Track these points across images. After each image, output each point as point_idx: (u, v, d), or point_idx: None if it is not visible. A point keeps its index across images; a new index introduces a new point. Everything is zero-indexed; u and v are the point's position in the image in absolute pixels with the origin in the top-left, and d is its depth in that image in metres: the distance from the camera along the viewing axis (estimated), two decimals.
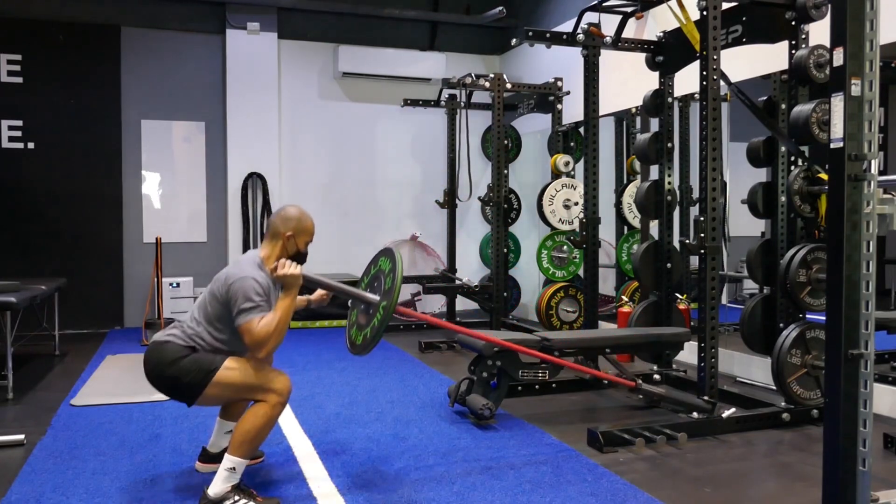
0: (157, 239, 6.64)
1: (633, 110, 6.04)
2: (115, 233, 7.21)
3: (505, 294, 6.57)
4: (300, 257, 2.94)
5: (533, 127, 7.45)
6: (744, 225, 5.46)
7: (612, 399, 4.45)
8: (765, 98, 4.19)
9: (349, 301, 3.15)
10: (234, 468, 2.68)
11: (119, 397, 4.39)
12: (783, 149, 4.05)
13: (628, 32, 4.83)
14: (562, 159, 6.25)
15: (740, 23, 4.00)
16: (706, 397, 3.73)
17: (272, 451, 3.40)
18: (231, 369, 2.76)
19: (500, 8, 7.47)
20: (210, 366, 2.75)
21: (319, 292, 3.17)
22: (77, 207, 7.05)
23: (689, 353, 4.53)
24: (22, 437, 3.54)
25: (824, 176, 3.65)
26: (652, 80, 4.68)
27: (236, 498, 2.65)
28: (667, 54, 4.55)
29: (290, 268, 2.75)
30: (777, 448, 3.48)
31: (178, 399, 2.85)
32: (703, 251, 3.75)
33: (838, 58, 2.23)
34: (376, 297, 2.92)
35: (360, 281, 3.19)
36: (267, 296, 2.77)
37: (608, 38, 4.68)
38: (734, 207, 5.12)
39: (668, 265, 4.61)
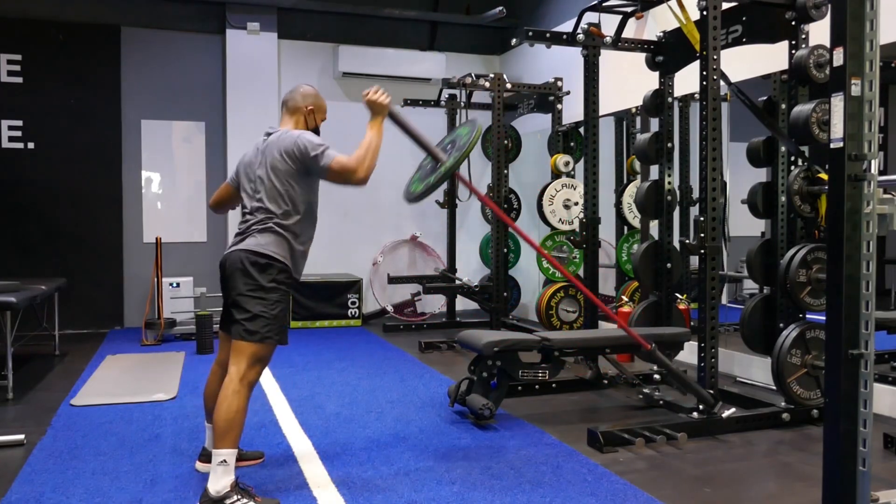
0: (157, 239, 6.63)
1: (633, 110, 6.03)
2: (115, 233, 7.21)
3: (505, 294, 6.57)
4: (315, 133, 3.05)
5: (533, 127, 7.45)
6: (744, 225, 5.46)
7: (612, 399, 4.45)
8: (765, 98, 4.19)
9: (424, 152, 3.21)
10: (225, 460, 2.67)
11: (119, 397, 4.39)
12: (783, 149, 4.05)
13: (628, 32, 4.83)
14: (562, 159, 6.25)
15: (740, 23, 4.00)
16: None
17: (272, 451, 3.40)
18: (270, 348, 2.82)
19: (500, 8, 7.47)
20: (269, 332, 2.78)
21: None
22: (77, 207, 7.06)
23: (689, 353, 4.53)
24: (22, 437, 3.54)
25: (824, 176, 3.65)
26: (652, 80, 4.68)
27: (236, 498, 2.65)
28: (667, 54, 4.55)
29: (380, 95, 2.88)
30: (777, 448, 3.48)
31: (231, 305, 2.84)
32: (703, 251, 3.75)
33: (838, 58, 2.23)
34: (445, 156, 3.04)
35: (440, 141, 3.31)
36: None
37: (608, 38, 4.68)
38: (734, 207, 5.11)
39: (668, 265, 4.61)
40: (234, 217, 7.35)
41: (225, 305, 2.93)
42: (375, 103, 2.86)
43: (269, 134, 3.03)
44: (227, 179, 3.29)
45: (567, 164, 6.24)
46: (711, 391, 3.72)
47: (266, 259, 2.83)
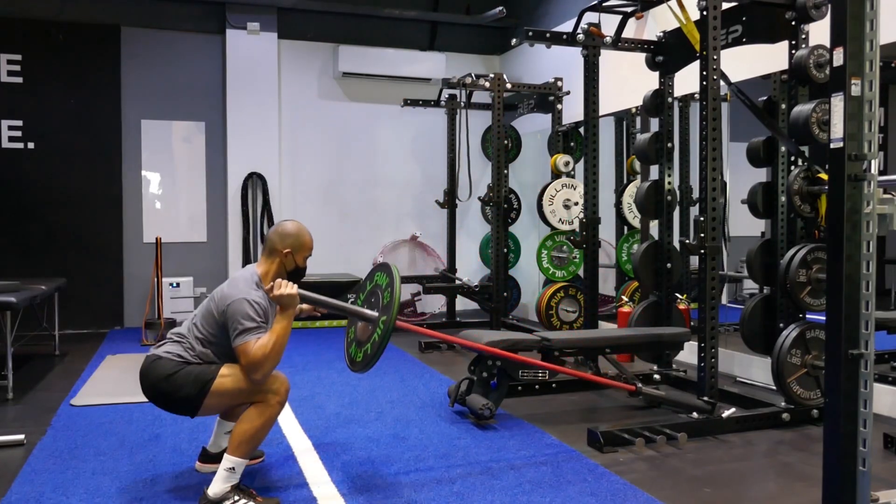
0: (157, 239, 6.64)
1: (633, 110, 6.04)
2: (115, 233, 7.21)
3: (505, 294, 6.57)
4: (299, 273, 2.92)
5: (533, 127, 7.45)
6: (744, 225, 5.46)
7: (612, 399, 4.44)
8: (765, 98, 4.19)
9: (347, 318, 3.13)
10: (233, 468, 2.68)
11: (119, 397, 4.39)
12: (783, 149, 4.05)
13: (628, 32, 4.83)
14: (562, 159, 6.25)
15: (740, 23, 4.00)
16: (706, 398, 3.73)
17: (272, 450, 3.40)
18: (227, 377, 2.75)
19: (500, 8, 7.47)
20: (205, 377, 2.74)
21: (309, 306, 3.16)
22: (77, 207, 7.06)
23: (689, 353, 4.53)
24: (22, 437, 3.54)
25: (824, 176, 3.65)
26: (652, 80, 4.68)
27: (236, 498, 2.65)
28: (667, 54, 4.55)
29: (286, 287, 2.69)
30: (777, 448, 3.48)
31: (179, 413, 2.85)
32: (703, 251, 3.75)
33: (838, 58, 2.23)
34: (375, 314, 2.90)
35: (356, 294, 3.17)
36: (265, 316, 2.75)
37: (608, 38, 4.68)
38: (734, 207, 5.12)
39: (668, 265, 4.61)
40: (233, 217, 7.40)
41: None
42: (283, 296, 2.67)
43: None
44: None
45: (567, 164, 6.24)
46: (708, 396, 3.73)
47: (172, 370, 2.77)
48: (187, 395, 2.74)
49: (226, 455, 2.71)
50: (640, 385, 3.86)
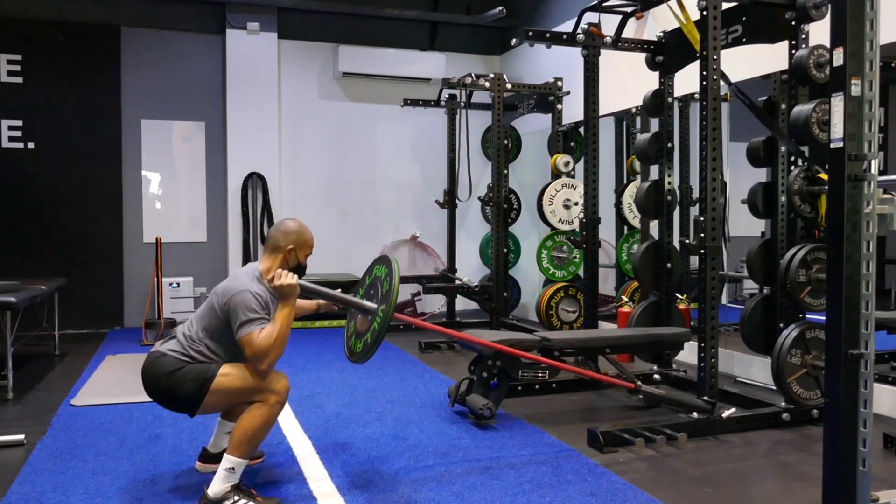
0: (157, 239, 6.64)
1: (633, 110, 6.04)
2: (115, 233, 7.21)
3: (505, 294, 6.56)
4: (300, 270, 2.95)
5: (533, 127, 7.45)
6: (744, 225, 5.46)
7: (612, 399, 4.44)
8: (765, 98, 4.19)
9: (348, 310, 3.15)
10: (233, 468, 2.68)
11: (119, 397, 4.39)
12: (783, 149, 4.05)
13: (628, 32, 4.83)
14: (562, 159, 6.25)
15: (740, 23, 4.00)
16: (706, 397, 3.73)
17: (272, 451, 3.40)
18: (227, 375, 2.76)
19: (500, 8, 7.47)
20: (205, 375, 2.75)
21: (313, 303, 3.21)
22: (77, 207, 7.06)
23: (689, 353, 4.53)
24: (22, 437, 3.54)
25: (824, 176, 3.65)
26: (652, 80, 4.68)
27: (236, 498, 2.65)
28: (667, 54, 4.55)
29: (286, 278, 2.75)
30: (777, 448, 3.48)
31: (179, 411, 2.86)
32: (703, 251, 3.75)
33: (838, 58, 2.23)
34: (374, 305, 2.93)
35: (355, 291, 3.19)
36: (267, 308, 2.77)
37: (608, 38, 4.68)
38: (734, 207, 5.12)
39: (668, 265, 4.61)
40: (234, 217, 7.40)
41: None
42: (284, 286, 2.73)
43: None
44: None
45: (567, 164, 6.24)
46: (708, 396, 3.73)
47: (174, 368, 2.78)
48: (187, 393, 2.75)
49: (225, 455, 2.71)
50: (639, 383, 3.85)
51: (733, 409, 3.74)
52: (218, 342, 2.83)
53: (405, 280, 7.36)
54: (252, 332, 2.68)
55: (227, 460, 2.69)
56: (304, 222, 3.03)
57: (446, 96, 7.19)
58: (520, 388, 4.35)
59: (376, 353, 2.89)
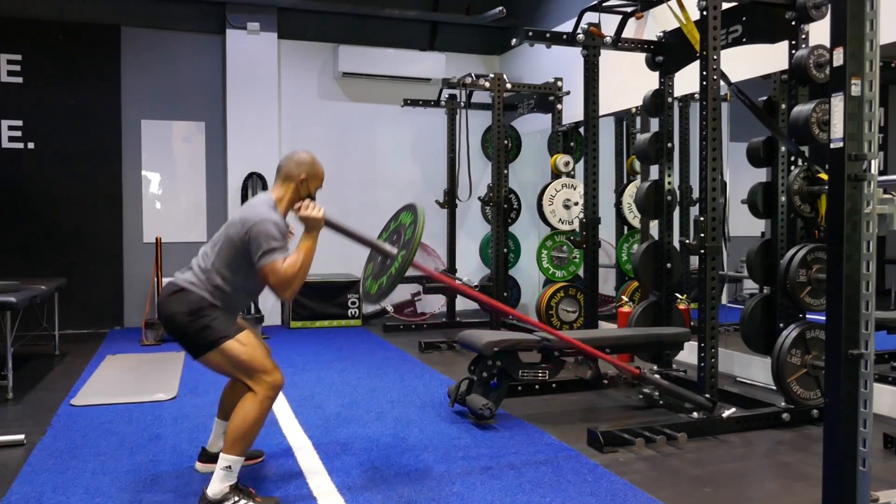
0: (157, 239, 6.64)
1: (633, 110, 6.03)
2: (115, 233, 7.21)
3: (505, 294, 6.56)
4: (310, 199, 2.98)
5: (533, 127, 7.45)
6: (744, 225, 5.46)
7: (612, 399, 4.44)
8: (765, 98, 4.19)
9: (369, 251, 3.20)
10: (229, 466, 2.68)
11: (119, 397, 4.39)
12: (783, 149, 4.05)
13: (628, 32, 4.83)
14: (562, 159, 6.25)
15: (740, 23, 4.00)
16: (707, 395, 3.72)
17: (272, 450, 3.40)
18: (241, 343, 2.78)
19: (500, 8, 7.47)
20: (224, 333, 2.77)
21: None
22: (77, 207, 7.06)
23: (689, 353, 4.53)
24: (22, 437, 3.54)
25: (824, 176, 3.65)
26: (652, 80, 4.68)
27: (235, 498, 2.65)
28: (667, 54, 4.55)
29: (314, 210, 2.82)
30: (777, 448, 3.48)
31: (184, 347, 2.86)
32: (703, 251, 3.75)
33: (838, 58, 2.23)
34: (394, 249, 2.99)
35: (378, 236, 3.25)
36: (284, 237, 2.80)
37: (608, 38, 4.68)
38: (734, 207, 5.11)
39: (668, 265, 4.61)
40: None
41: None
42: (310, 218, 2.80)
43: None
44: None
45: (567, 164, 6.24)
46: (709, 394, 3.73)
47: (196, 307, 2.79)
48: (200, 339, 2.77)
49: (221, 454, 2.71)
50: (644, 370, 3.83)
51: (733, 409, 3.74)
52: (236, 272, 2.83)
53: (405, 280, 7.33)
54: (276, 261, 2.71)
55: (224, 459, 2.69)
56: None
57: (446, 96, 7.19)
58: (520, 388, 4.35)
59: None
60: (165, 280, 6.88)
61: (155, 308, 6.66)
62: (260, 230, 2.73)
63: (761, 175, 4.38)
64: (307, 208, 2.81)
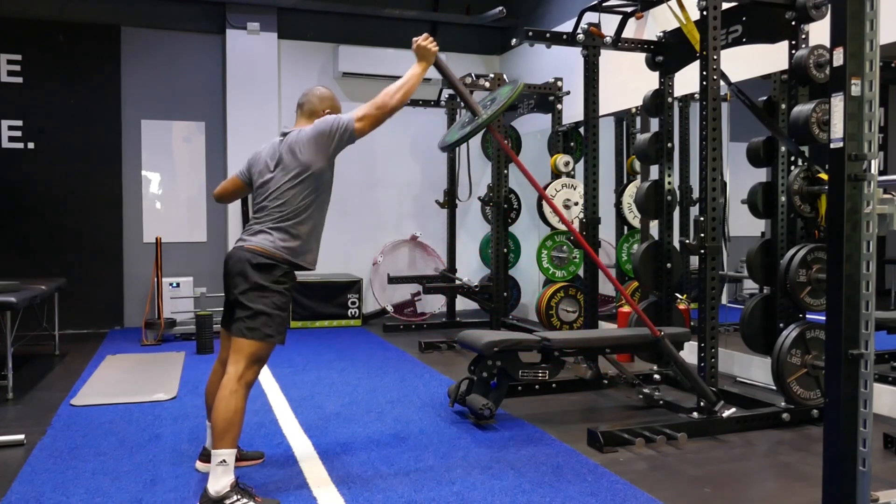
0: (157, 239, 6.64)
1: (633, 110, 6.04)
2: (115, 233, 7.21)
3: (505, 294, 6.56)
4: None
5: (533, 127, 7.45)
6: (744, 225, 5.46)
7: (612, 399, 4.45)
8: (765, 98, 4.19)
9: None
10: (224, 460, 2.68)
11: (119, 397, 4.39)
12: (783, 149, 4.05)
13: (628, 32, 4.83)
14: (562, 159, 6.24)
15: (740, 23, 4.00)
16: (713, 389, 3.72)
17: (272, 451, 3.40)
18: (270, 347, 2.82)
19: (500, 8, 7.47)
20: (280, 311, 2.81)
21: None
22: (77, 207, 7.06)
23: (689, 353, 4.52)
24: (22, 437, 3.54)
25: (824, 176, 3.65)
26: (652, 80, 4.68)
27: (236, 498, 2.65)
28: (667, 54, 4.55)
29: (430, 42, 2.99)
30: (777, 448, 3.48)
31: (233, 303, 2.85)
32: (703, 251, 3.75)
33: (838, 58, 2.23)
34: (482, 111, 3.22)
35: (482, 100, 3.50)
36: None
37: (608, 38, 4.68)
38: (734, 207, 5.12)
39: (668, 265, 4.61)
40: (234, 217, 7.40)
41: (227, 303, 2.93)
42: (424, 49, 2.98)
43: (284, 134, 3.00)
44: (237, 172, 3.27)
45: (567, 164, 6.24)
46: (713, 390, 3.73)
47: (270, 259, 2.83)
48: (258, 307, 2.78)
49: (213, 451, 2.70)
50: (662, 332, 3.84)
51: (733, 409, 3.74)
52: (309, 214, 2.95)
53: (406, 280, 7.36)
54: (360, 106, 2.88)
55: (217, 454, 2.68)
56: None
57: (446, 96, 7.19)
58: (520, 388, 4.35)
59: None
60: (166, 280, 6.87)
61: (154, 309, 6.68)
62: (318, 126, 2.90)
63: (761, 175, 4.38)
64: (424, 40, 2.98)
